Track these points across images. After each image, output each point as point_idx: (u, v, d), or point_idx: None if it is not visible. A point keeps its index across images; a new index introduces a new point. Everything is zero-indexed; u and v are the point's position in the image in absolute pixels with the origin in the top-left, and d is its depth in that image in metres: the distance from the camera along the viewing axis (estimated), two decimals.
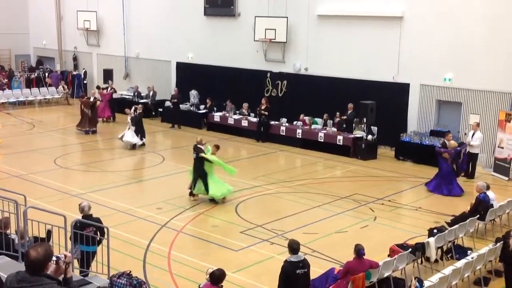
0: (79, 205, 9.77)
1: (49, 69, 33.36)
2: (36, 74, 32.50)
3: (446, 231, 11.33)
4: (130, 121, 20.60)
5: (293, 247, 8.07)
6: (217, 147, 15.05)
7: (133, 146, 20.55)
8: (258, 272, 10.74)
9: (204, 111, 24.84)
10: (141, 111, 21.15)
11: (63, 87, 30.35)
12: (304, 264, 8.03)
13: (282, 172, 18.07)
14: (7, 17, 33.51)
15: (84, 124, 22.90)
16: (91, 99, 23.22)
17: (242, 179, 16.89)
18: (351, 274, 9.01)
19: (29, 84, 31.40)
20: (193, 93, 25.42)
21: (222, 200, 14.73)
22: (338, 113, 21.14)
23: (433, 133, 19.59)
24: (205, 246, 11.98)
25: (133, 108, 21.19)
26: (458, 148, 16.34)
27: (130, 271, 8.60)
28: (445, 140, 16.48)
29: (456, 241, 11.69)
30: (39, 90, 30.61)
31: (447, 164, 16.06)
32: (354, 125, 20.78)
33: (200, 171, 14.63)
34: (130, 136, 20.56)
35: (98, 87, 26.98)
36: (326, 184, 16.71)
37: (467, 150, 17.39)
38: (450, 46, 19.28)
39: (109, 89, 26.29)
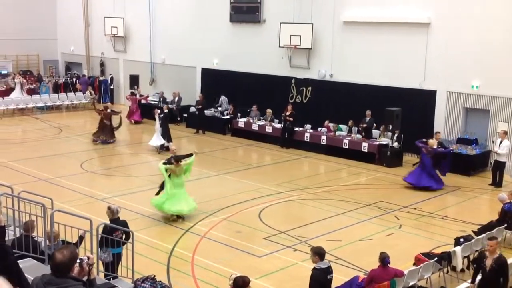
0: (109, 207, 9.88)
1: (77, 75, 33.85)
2: (64, 79, 33.03)
3: (473, 240, 11.17)
4: (157, 119, 21.13)
5: (321, 252, 8.08)
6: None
7: (161, 147, 20.83)
8: (281, 279, 10.71)
9: (228, 117, 24.94)
10: (167, 110, 21.95)
11: (90, 92, 30.75)
12: (331, 269, 8.14)
13: (306, 179, 18.01)
14: (35, 22, 34.07)
15: (100, 134, 22.29)
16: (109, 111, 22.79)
17: (266, 185, 16.89)
18: (375, 282, 8.91)
19: (57, 89, 31.89)
20: (225, 99, 25.52)
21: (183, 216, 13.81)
22: (363, 120, 21.01)
23: (460, 140, 19.34)
24: (229, 252, 11.99)
25: (159, 111, 21.88)
26: (439, 149, 17.03)
27: (154, 276, 8.66)
28: (429, 138, 17.47)
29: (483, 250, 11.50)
30: (66, 95, 31.07)
31: (428, 158, 16.89)
32: (380, 132, 20.68)
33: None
34: (155, 140, 20.92)
35: (132, 93, 27.50)
36: (350, 191, 16.61)
37: (495, 158, 17.42)
38: (477, 53, 19.02)
39: (138, 95, 27.37)
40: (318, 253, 8.07)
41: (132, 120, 26.56)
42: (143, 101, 27.41)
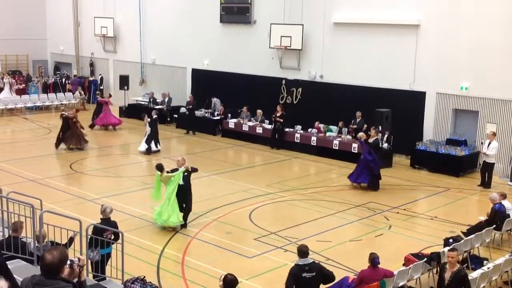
0: (102, 205, 9.93)
1: (67, 75, 33.68)
2: (53, 80, 32.87)
3: (462, 240, 11.23)
4: (147, 123, 20.92)
5: (303, 250, 8.15)
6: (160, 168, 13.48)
7: (148, 150, 20.71)
8: (271, 279, 10.71)
9: (218, 117, 24.92)
10: (156, 116, 21.56)
11: (79, 92, 30.62)
12: (312, 267, 8.04)
13: (296, 180, 18.04)
14: (25, 23, 33.91)
15: (73, 141, 21.09)
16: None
17: (256, 186, 16.90)
18: (365, 283, 8.94)
19: (46, 89, 31.73)
20: (218, 101, 25.44)
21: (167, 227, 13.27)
22: (353, 121, 21.08)
23: (449, 141, 19.45)
24: (219, 253, 11.98)
25: (154, 116, 21.52)
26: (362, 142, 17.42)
27: (144, 277, 8.65)
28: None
29: (472, 251, 11.57)
30: (56, 95, 30.93)
31: (365, 152, 17.11)
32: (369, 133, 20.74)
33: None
34: (143, 145, 20.87)
35: (110, 95, 27.22)
36: (340, 192, 16.65)
37: (484, 159, 17.56)
38: (466, 55, 19.15)
39: (99, 97, 26.63)
40: (299, 251, 8.19)
41: (111, 126, 25.34)
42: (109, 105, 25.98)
